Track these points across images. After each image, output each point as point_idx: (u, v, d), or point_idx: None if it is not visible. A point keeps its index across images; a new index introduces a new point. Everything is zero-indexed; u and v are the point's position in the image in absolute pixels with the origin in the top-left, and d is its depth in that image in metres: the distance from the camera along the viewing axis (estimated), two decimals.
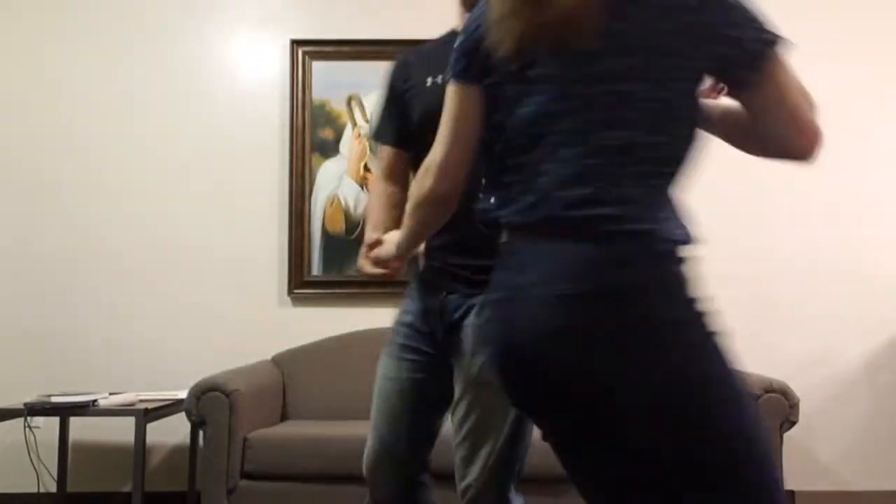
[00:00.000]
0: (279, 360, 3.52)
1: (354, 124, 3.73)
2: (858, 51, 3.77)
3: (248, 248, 3.69)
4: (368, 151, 3.72)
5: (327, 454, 2.84)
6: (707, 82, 1.24)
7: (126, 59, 3.76)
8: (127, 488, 3.52)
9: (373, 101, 3.74)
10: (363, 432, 2.95)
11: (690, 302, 1.15)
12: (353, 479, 2.84)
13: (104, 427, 3.52)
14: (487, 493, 1.65)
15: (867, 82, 3.76)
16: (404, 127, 1.71)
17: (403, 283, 1.86)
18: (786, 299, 3.66)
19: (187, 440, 3.48)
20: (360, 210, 3.69)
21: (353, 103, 3.74)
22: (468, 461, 1.65)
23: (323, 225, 3.69)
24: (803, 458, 3.55)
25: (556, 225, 1.17)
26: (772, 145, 1.23)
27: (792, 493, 3.51)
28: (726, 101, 1.28)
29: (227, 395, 2.85)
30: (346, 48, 3.76)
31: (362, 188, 3.70)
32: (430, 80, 1.69)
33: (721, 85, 1.26)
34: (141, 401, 3.03)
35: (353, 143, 3.73)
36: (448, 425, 1.75)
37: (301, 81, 3.73)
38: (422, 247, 1.67)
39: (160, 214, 3.70)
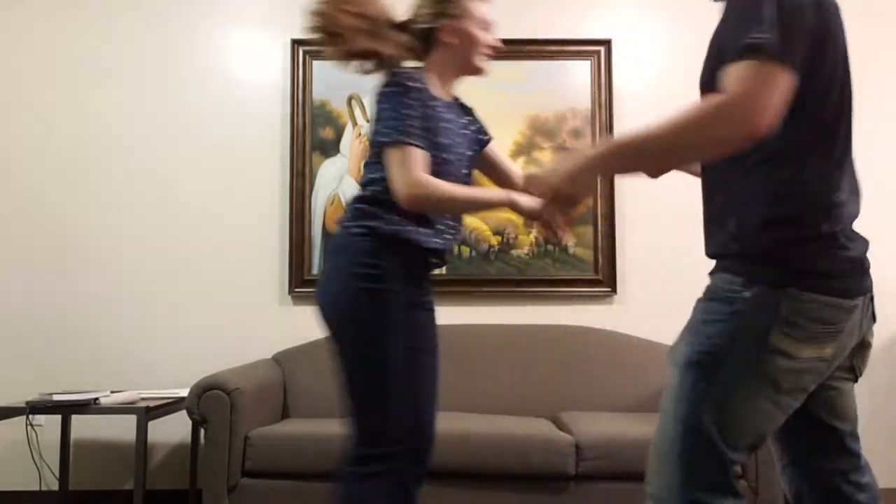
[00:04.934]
0: (280, 359, 3.53)
1: (355, 124, 3.75)
2: (862, 52, 3.78)
3: (249, 246, 3.71)
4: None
5: (328, 452, 2.85)
6: None
7: (126, 58, 3.77)
8: (128, 486, 3.53)
9: (372, 101, 3.75)
10: None
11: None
12: None
13: (106, 425, 3.55)
14: None
15: (867, 82, 3.76)
16: None
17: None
18: None
19: (188, 438, 3.50)
20: None
21: (354, 103, 3.76)
22: None
23: (323, 224, 3.70)
24: None
25: None
26: None
27: None
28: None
29: (228, 394, 2.86)
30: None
31: None
32: None
33: None
34: (142, 399, 3.04)
35: (353, 142, 3.74)
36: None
37: (301, 81, 3.74)
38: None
39: (161, 213, 3.72)
